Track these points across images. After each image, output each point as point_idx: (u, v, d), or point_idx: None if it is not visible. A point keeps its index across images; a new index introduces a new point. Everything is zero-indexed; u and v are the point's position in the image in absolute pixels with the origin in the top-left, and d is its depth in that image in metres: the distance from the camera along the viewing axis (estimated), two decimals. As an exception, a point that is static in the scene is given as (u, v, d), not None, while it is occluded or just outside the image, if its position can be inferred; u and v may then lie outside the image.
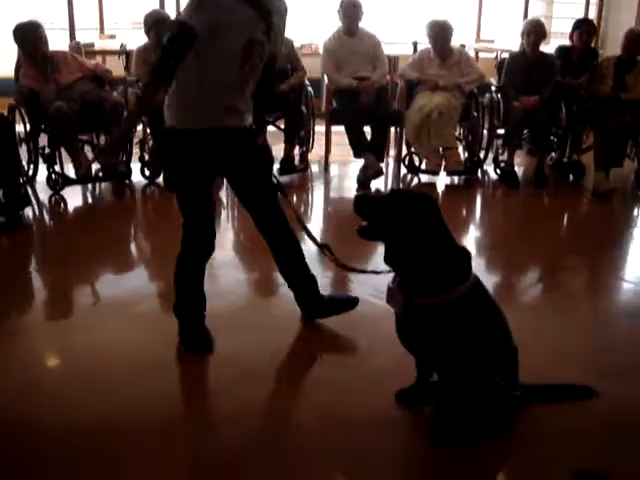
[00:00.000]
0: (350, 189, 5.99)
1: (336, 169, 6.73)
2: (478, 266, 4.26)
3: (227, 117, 2.93)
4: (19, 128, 5.59)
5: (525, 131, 6.35)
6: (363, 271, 2.63)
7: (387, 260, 2.49)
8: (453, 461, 2.45)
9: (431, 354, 2.53)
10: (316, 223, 5.35)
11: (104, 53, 7.95)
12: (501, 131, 6.34)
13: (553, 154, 6.61)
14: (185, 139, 2.93)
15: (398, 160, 6.51)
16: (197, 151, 2.94)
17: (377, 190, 5.95)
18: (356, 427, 2.66)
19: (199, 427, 2.65)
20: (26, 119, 5.63)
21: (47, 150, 5.59)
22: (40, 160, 5.71)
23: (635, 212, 5.88)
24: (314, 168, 6.62)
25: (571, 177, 6.36)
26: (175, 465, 2.45)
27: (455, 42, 6.41)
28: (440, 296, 2.38)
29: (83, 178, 5.64)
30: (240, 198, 3.25)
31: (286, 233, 3.23)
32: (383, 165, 6.23)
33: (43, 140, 5.66)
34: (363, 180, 5.98)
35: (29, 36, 5.50)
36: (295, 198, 6.00)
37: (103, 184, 5.95)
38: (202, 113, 2.90)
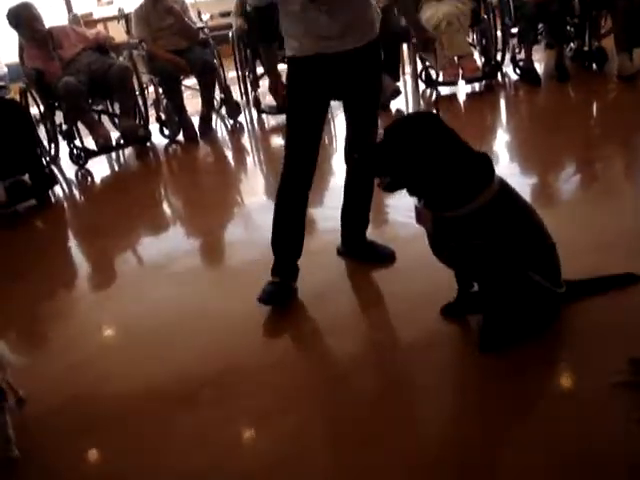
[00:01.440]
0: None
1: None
2: (512, 169, 4.25)
3: (314, 43, 2.81)
4: (34, 110, 5.60)
5: (540, 25, 6.16)
6: None
7: (410, 191, 2.46)
8: (506, 365, 2.44)
9: (467, 264, 2.51)
10: (341, 153, 5.26)
11: (104, 20, 7.90)
12: (515, 29, 6.17)
13: (572, 44, 6.44)
14: (292, 65, 2.91)
15: (415, 76, 6.40)
16: (303, 77, 2.90)
17: (397, 111, 5.88)
18: (404, 348, 2.68)
19: (252, 374, 2.66)
20: (38, 100, 5.62)
21: (64, 126, 5.60)
22: (60, 137, 5.73)
23: (664, 90, 5.70)
24: (331, 99, 6.53)
25: (594, 65, 6.18)
26: (230, 412, 2.48)
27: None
28: (466, 206, 2.34)
29: (104, 148, 5.65)
30: (348, 118, 3.14)
31: None
32: (400, 84, 6.14)
33: (60, 117, 5.67)
34: (382, 102, 5.88)
35: (22, 18, 5.46)
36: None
37: (125, 150, 5.97)
38: (295, 42, 2.84)
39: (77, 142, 5.62)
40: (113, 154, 5.96)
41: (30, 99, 5.64)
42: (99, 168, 5.70)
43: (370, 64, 2.96)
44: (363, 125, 3.11)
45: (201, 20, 6.72)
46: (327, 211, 4.00)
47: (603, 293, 2.70)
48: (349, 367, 2.62)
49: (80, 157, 5.59)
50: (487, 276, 2.46)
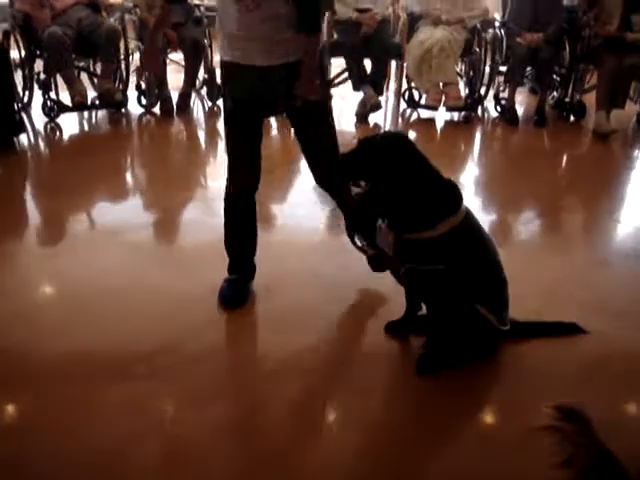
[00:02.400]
0: (348, 123, 5.95)
1: (333, 102, 6.64)
2: (475, 203, 4.29)
3: (236, 52, 2.70)
4: (14, 54, 5.50)
5: (528, 69, 6.26)
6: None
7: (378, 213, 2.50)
8: (438, 391, 2.48)
9: (421, 287, 2.54)
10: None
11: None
12: (503, 68, 6.25)
13: (555, 93, 6.56)
14: (221, 66, 2.83)
15: (398, 94, 6.44)
16: (227, 80, 2.81)
17: (375, 124, 5.93)
18: (340, 357, 2.70)
19: (188, 358, 2.66)
20: (21, 44, 5.52)
21: (42, 76, 5.51)
22: (35, 87, 5.64)
23: (634, 154, 5.83)
24: (313, 101, 6.56)
25: (572, 117, 6.30)
26: (158, 391, 2.47)
27: (460, -25, 6.26)
28: (429, 231, 2.37)
29: (79, 105, 5.56)
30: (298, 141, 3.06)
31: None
32: (383, 99, 6.18)
33: (39, 66, 5.58)
34: (361, 114, 5.94)
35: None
36: (293, 130, 5.96)
37: (99, 112, 5.91)
38: (222, 46, 2.75)
39: (52, 94, 5.54)
40: (86, 113, 5.89)
41: (13, 42, 5.53)
42: (69, 125, 5.63)
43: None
44: (314, 151, 3.01)
45: (199, -2, 6.69)
46: (288, 208, 4.03)
47: (543, 338, 2.76)
48: (281, 367, 2.62)
49: (52, 110, 5.51)
50: (437, 301, 2.50)
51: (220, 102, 6.32)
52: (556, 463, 1.65)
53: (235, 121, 2.87)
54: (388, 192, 2.39)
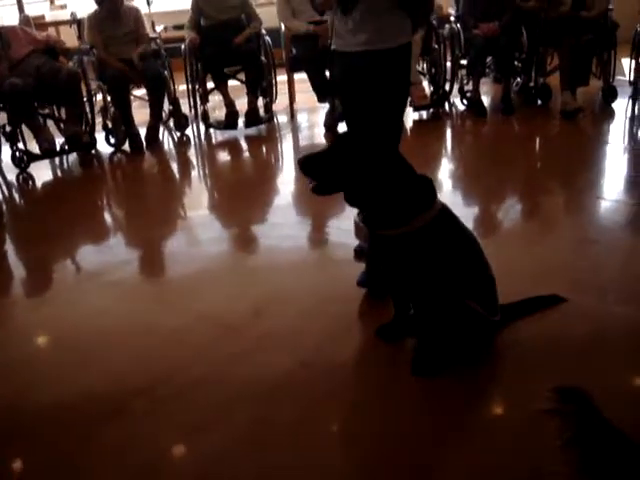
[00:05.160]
0: (319, 135, 5.96)
1: (303, 117, 6.69)
2: (454, 197, 4.31)
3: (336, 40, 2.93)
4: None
5: (488, 59, 6.31)
6: None
7: (348, 200, 2.47)
8: (437, 391, 2.46)
9: (401, 285, 2.54)
10: (288, 172, 5.34)
11: (56, 24, 7.82)
12: (464, 61, 6.29)
13: (518, 79, 6.61)
14: None
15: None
16: None
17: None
18: (335, 367, 2.66)
19: (184, 388, 2.63)
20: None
21: (8, 128, 5.49)
22: (2, 139, 5.61)
23: (604, 129, 5.87)
24: (281, 118, 6.60)
25: (539, 101, 6.35)
26: (162, 423, 2.45)
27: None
28: (403, 227, 2.36)
29: (48, 152, 5.55)
30: None
31: None
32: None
33: (3, 118, 5.56)
34: (329, 124, 5.94)
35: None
36: (264, 149, 5.99)
37: (69, 156, 5.89)
38: None
39: (20, 145, 5.51)
40: (57, 159, 5.87)
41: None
42: (41, 173, 5.60)
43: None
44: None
45: (154, 31, 6.70)
46: (268, 229, 4.02)
47: (530, 317, 2.78)
48: (279, 384, 2.60)
49: (22, 160, 5.49)
50: (421, 299, 2.49)
51: (189, 131, 6.37)
52: (560, 445, 1.65)
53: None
54: (361, 186, 2.38)
